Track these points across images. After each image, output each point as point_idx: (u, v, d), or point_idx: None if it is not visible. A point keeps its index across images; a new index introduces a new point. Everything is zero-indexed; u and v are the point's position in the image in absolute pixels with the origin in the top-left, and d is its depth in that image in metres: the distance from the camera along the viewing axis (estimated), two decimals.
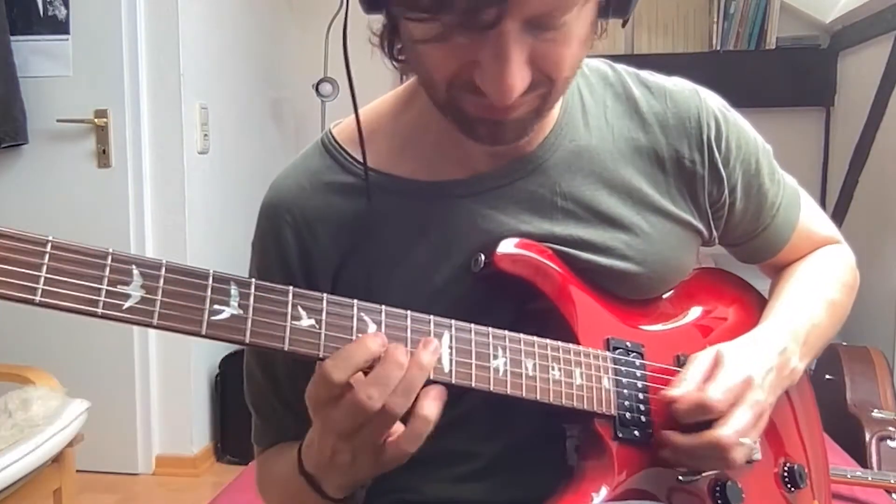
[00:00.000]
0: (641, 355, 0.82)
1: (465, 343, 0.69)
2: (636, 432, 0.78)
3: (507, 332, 0.72)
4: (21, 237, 0.53)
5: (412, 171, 0.82)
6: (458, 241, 0.80)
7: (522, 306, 0.80)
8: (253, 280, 0.62)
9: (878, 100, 2.90)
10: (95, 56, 2.79)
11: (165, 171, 2.89)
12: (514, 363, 0.72)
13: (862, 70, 3.15)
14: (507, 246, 0.77)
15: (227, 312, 0.60)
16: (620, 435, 0.77)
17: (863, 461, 1.97)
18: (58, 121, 2.79)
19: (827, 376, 2.34)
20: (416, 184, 0.81)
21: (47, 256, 0.54)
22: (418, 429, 0.66)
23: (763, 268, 1.03)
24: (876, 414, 2.12)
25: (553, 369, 0.74)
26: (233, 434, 3.02)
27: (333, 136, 0.86)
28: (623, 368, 0.80)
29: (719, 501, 0.81)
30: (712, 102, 0.89)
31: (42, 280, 0.53)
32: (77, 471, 2.16)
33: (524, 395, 0.72)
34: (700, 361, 0.81)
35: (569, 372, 0.75)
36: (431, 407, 0.66)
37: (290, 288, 0.63)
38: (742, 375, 0.79)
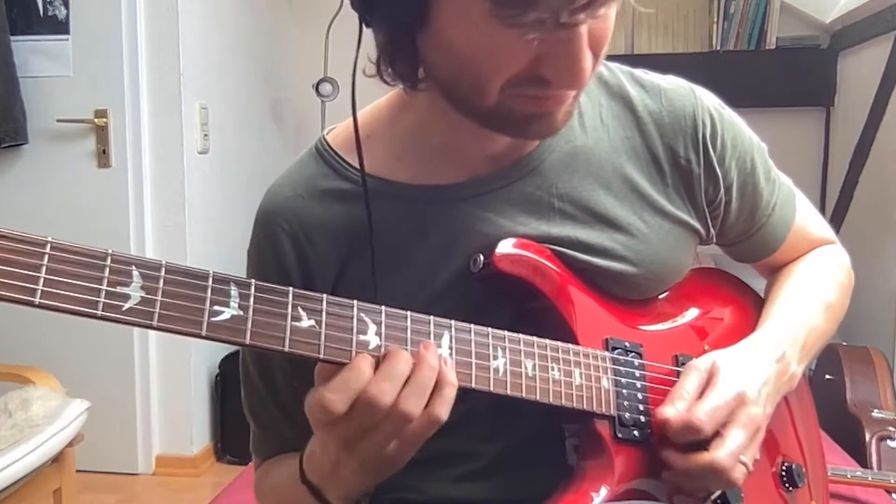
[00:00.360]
0: (640, 355, 0.82)
1: (465, 343, 0.70)
2: (635, 432, 0.78)
3: (506, 333, 0.72)
4: (20, 238, 0.53)
5: (410, 176, 0.82)
6: (457, 245, 0.80)
7: (521, 306, 0.80)
8: (253, 281, 0.61)
9: (878, 100, 2.90)
10: (95, 56, 2.79)
11: (165, 171, 2.89)
12: (513, 363, 0.72)
13: (862, 70, 3.15)
14: (506, 246, 0.77)
15: (227, 313, 0.60)
16: (620, 435, 0.77)
17: (863, 461, 1.97)
18: (58, 121, 2.79)
19: (827, 376, 2.34)
20: (414, 188, 0.81)
21: (46, 258, 0.54)
22: (425, 428, 0.66)
23: (758, 267, 1.03)
24: (876, 414, 2.12)
25: (552, 369, 0.74)
26: (233, 434, 3.02)
27: (328, 143, 0.85)
28: (622, 368, 0.80)
29: (718, 502, 0.81)
30: (707, 101, 0.89)
31: (41, 281, 0.53)
32: (77, 471, 2.16)
33: (524, 395, 0.72)
34: (694, 376, 0.81)
35: (568, 372, 0.75)
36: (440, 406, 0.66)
37: (290, 289, 0.63)
38: (734, 392, 0.78)
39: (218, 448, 3.10)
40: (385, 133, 0.84)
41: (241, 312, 0.60)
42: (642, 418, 0.79)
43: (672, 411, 0.77)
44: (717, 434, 0.76)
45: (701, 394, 0.79)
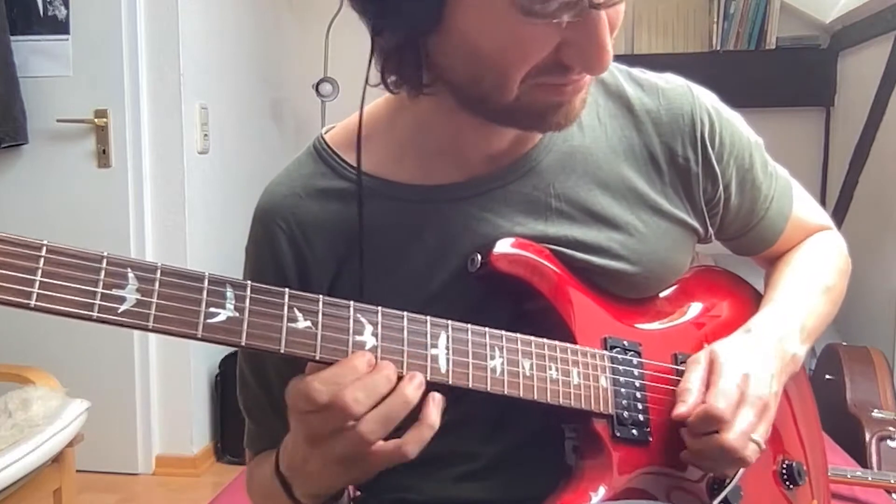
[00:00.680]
0: (639, 354, 0.82)
1: (462, 343, 0.69)
2: (634, 431, 0.78)
3: (503, 332, 0.72)
4: (16, 241, 0.53)
5: (408, 176, 0.82)
6: (454, 245, 0.80)
7: (519, 306, 0.80)
8: (248, 282, 0.61)
9: (878, 100, 2.90)
10: (95, 56, 2.79)
11: (165, 171, 2.89)
12: (511, 363, 0.72)
13: (862, 70, 3.15)
14: (504, 246, 0.77)
15: (222, 315, 0.60)
16: (618, 434, 0.77)
17: (863, 461, 1.97)
18: (58, 121, 2.79)
19: (827, 376, 2.34)
20: (412, 188, 0.81)
21: (42, 261, 0.54)
22: (405, 452, 0.66)
23: (757, 259, 1.03)
24: (876, 414, 2.12)
25: (550, 369, 0.74)
26: (233, 434, 3.02)
27: (326, 142, 0.85)
28: (620, 367, 0.80)
29: (718, 500, 0.81)
30: (705, 99, 0.89)
31: (37, 284, 0.53)
32: (77, 471, 2.17)
33: (521, 394, 0.72)
34: (695, 370, 0.81)
35: (566, 371, 0.75)
36: (416, 439, 0.66)
37: (286, 290, 0.63)
38: (739, 375, 0.79)
39: (218, 448, 3.10)
40: (384, 133, 0.84)
41: (237, 314, 0.60)
42: (641, 417, 0.79)
43: (685, 408, 0.78)
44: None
45: (707, 385, 0.79)
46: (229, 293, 0.60)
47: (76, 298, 0.55)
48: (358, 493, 0.93)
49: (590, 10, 0.64)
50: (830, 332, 2.56)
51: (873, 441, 2.03)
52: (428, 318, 0.68)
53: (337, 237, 0.81)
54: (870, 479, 1.66)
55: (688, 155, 0.86)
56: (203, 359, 3.02)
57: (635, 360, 0.81)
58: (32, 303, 0.53)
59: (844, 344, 2.42)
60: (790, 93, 3.41)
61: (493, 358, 0.71)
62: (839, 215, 3.13)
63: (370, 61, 0.74)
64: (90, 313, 0.55)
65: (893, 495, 1.67)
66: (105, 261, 0.56)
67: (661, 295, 0.90)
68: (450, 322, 0.69)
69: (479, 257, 0.77)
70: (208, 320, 0.59)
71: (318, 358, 0.63)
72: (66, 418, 2.03)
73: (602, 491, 0.75)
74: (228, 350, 2.97)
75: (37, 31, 2.80)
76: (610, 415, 0.78)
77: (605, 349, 0.80)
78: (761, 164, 0.94)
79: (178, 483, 2.90)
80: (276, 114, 3.64)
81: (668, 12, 3.55)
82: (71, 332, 2.73)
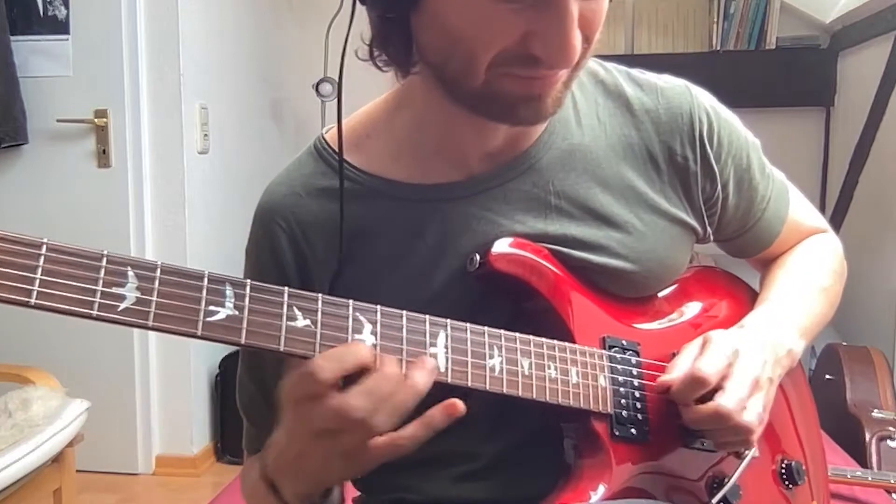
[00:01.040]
0: (637, 353, 0.82)
1: (461, 342, 0.70)
2: (633, 430, 0.78)
3: (503, 332, 0.72)
4: (16, 239, 0.53)
5: (407, 175, 0.82)
6: (454, 244, 0.80)
7: (518, 306, 0.80)
8: (248, 280, 0.62)
9: (878, 100, 2.90)
10: (95, 56, 2.79)
11: (165, 171, 2.89)
12: (510, 362, 0.72)
13: (862, 70, 3.15)
14: (502, 245, 0.78)
15: (222, 313, 0.60)
16: (617, 433, 0.78)
17: (863, 461, 1.97)
18: (58, 121, 2.79)
19: (827, 376, 2.34)
20: (412, 187, 0.81)
21: (42, 259, 0.54)
22: (400, 445, 0.65)
23: (753, 262, 1.03)
24: (876, 414, 2.12)
25: (549, 368, 0.74)
26: (233, 434, 3.02)
27: (326, 142, 0.85)
28: (619, 367, 0.80)
29: (717, 498, 0.81)
30: (703, 99, 0.89)
31: (37, 282, 0.53)
32: (77, 471, 2.17)
33: (520, 393, 0.72)
34: (689, 348, 0.82)
35: (565, 370, 0.75)
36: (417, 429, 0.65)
37: (286, 288, 0.63)
38: (731, 348, 0.80)
39: (218, 448, 3.10)
40: (383, 131, 0.84)
41: (237, 312, 0.60)
42: (639, 416, 0.79)
43: (668, 377, 0.79)
44: (717, 388, 0.77)
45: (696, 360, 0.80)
46: (229, 291, 0.60)
47: (76, 297, 0.55)
48: (358, 493, 0.93)
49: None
50: (830, 332, 2.57)
51: (873, 441, 2.03)
52: (427, 317, 0.69)
53: (337, 236, 0.81)
54: (870, 479, 1.66)
55: (686, 154, 0.87)
56: (203, 359, 3.02)
57: (634, 360, 0.81)
58: (32, 301, 0.53)
59: (844, 344, 2.42)
60: (790, 93, 3.41)
61: (491, 357, 0.71)
62: (839, 215, 3.13)
63: (349, 26, 0.75)
64: (90, 311, 0.55)
65: (893, 495, 1.67)
66: (105, 259, 0.56)
67: (660, 295, 0.90)
68: (449, 321, 0.70)
69: (478, 257, 0.78)
70: (208, 318, 0.59)
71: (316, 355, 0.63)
72: (66, 418, 2.03)
73: (601, 490, 0.75)
74: (228, 350, 2.97)
75: (37, 31, 2.80)
76: (608, 414, 0.78)
77: (604, 348, 0.80)
78: (759, 165, 0.94)
79: (178, 483, 2.90)
80: (276, 114, 3.65)
81: (668, 12, 3.55)
82: (71, 332, 2.73)
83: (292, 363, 0.64)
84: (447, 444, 0.81)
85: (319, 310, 0.64)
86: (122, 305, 0.56)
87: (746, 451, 0.84)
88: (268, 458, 0.72)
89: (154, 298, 0.57)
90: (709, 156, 0.87)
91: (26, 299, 0.53)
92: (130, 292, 0.57)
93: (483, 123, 0.77)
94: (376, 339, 0.66)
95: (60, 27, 2.79)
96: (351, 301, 0.65)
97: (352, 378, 0.63)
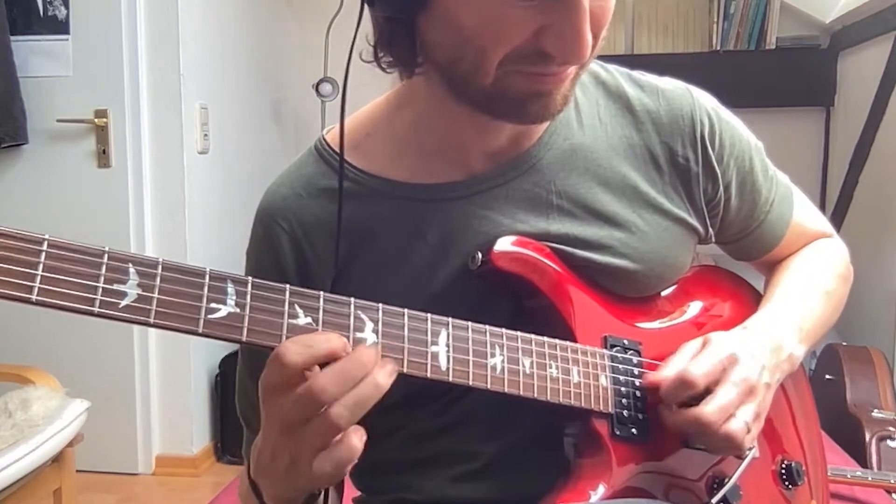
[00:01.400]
0: (639, 353, 0.82)
1: (463, 341, 0.69)
2: (633, 430, 0.78)
3: (504, 331, 0.72)
4: (17, 236, 0.53)
5: (409, 174, 0.82)
6: (456, 244, 0.80)
7: (520, 304, 0.80)
8: (250, 278, 0.61)
9: (878, 100, 2.91)
10: (95, 56, 2.79)
11: (165, 171, 2.89)
12: (511, 361, 0.72)
13: (862, 70, 3.15)
14: (505, 244, 0.78)
15: (223, 311, 0.60)
16: (618, 433, 0.77)
17: (863, 461, 1.97)
18: (58, 121, 2.79)
19: (827, 376, 2.34)
20: (413, 187, 0.81)
21: (44, 255, 0.54)
22: (342, 455, 0.62)
23: (757, 265, 1.03)
24: (876, 414, 2.12)
25: (550, 367, 0.74)
26: (233, 434, 3.02)
27: (327, 142, 0.85)
28: (620, 366, 0.80)
29: (717, 498, 0.81)
30: (704, 101, 0.89)
31: (39, 279, 0.53)
32: (77, 471, 2.16)
33: (521, 393, 0.72)
34: (688, 347, 0.82)
35: (566, 370, 0.75)
36: (357, 440, 0.63)
37: (287, 286, 0.63)
38: (726, 353, 0.79)
39: (218, 448, 3.10)
40: (384, 131, 0.84)
41: (238, 310, 0.60)
42: (640, 416, 0.79)
43: (654, 377, 0.79)
44: (708, 392, 0.77)
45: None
46: (230, 289, 0.60)
47: (77, 293, 0.55)
48: (358, 492, 0.93)
49: None
50: (830, 332, 2.56)
51: (873, 441, 2.03)
52: (428, 315, 0.68)
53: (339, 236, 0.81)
54: (870, 479, 1.66)
55: (688, 155, 0.87)
56: (203, 359, 3.02)
57: (635, 359, 0.81)
58: (34, 297, 0.53)
59: (844, 344, 2.43)
60: (790, 93, 3.41)
61: (493, 356, 0.71)
62: (839, 215, 3.13)
63: (357, 28, 0.74)
64: (91, 308, 0.55)
65: (893, 495, 1.67)
66: (106, 255, 0.56)
67: (662, 294, 0.90)
68: (450, 319, 0.69)
69: (480, 255, 0.78)
70: (209, 316, 0.59)
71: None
72: (66, 418, 2.03)
73: (601, 489, 0.75)
74: (228, 350, 2.97)
75: (37, 31, 2.80)
76: (609, 413, 0.78)
77: (606, 348, 0.80)
78: (761, 167, 0.94)
79: (178, 483, 2.89)
80: (276, 114, 3.65)
81: (668, 12, 3.55)
82: (71, 331, 2.73)
83: None
84: (447, 444, 0.81)
85: (321, 308, 0.64)
86: (124, 302, 0.56)
87: (747, 451, 0.84)
88: (251, 461, 0.71)
89: (155, 295, 0.57)
90: (710, 157, 0.87)
91: (28, 296, 0.53)
92: (132, 289, 0.56)
93: (485, 123, 0.77)
94: (377, 338, 0.66)
95: (60, 27, 2.79)
96: (352, 299, 0.65)
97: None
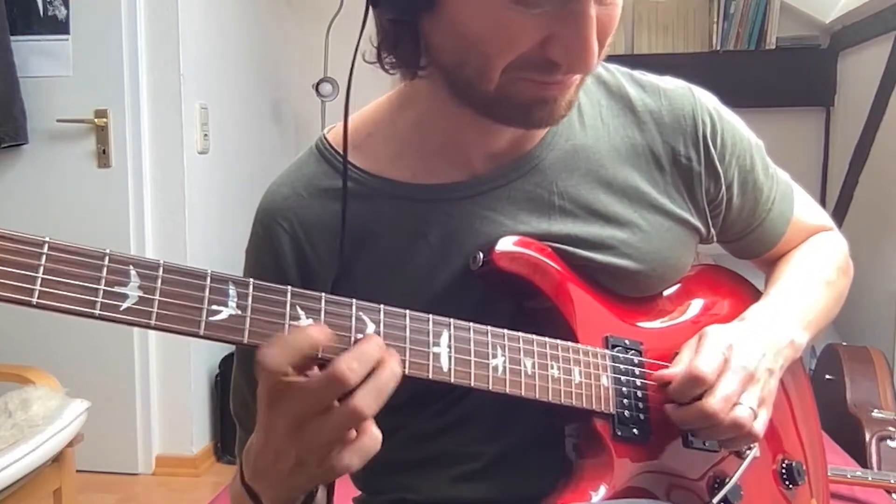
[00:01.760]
0: (640, 353, 0.82)
1: (464, 342, 0.69)
2: (635, 430, 0.78)
3: (505, 331, 0.72)
4: (18, 238, 0.53)
5: (410, 175, 0.82)
6: (457, 244, 0.80)
7: (521, 304, 0.80)
8: (251, 280, 0.61)
9: (878, 100, 2.91)
10: (95, 56, 2.79)
11: (165, 171, 2.89)
12: (512, 362, 0.72)
13: (862, 70, 3.15)
14: (506, 244, 0.77)
15: (225, 313, 0.59)
16: (619, 433, 0.77)
17: (863, 461, 1.97)
18: (58, 121, 2.79)
19: (827, 376, 2.34)
20: (415, 187, 0.81)
21: (44, 258, 0.54)
22: (368, 445, 0.62)
23: (758, 263, 1.03)
24: (876, 414, 2.12)
25: (552, 368, 0.74)
26: (233, 434, 2.99)
27: (328, 142, 0.85)
28: (622, 366, 0.80)
29: (718, 498, 0.81)
30: (706, 100, 0.89)
31: (39, 281, 0.53)
32: (77, 471, 2.16)
33: (523, 393, 0.72)
34: (688, 345, 0.82)
35: (567, 370, 0.75)
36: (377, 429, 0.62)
37: (289, 288, 0.62)
38: (724, 343, 0.79)
39: (218, 448, 3.10)
40: (386, 131, 0.84)
41: (240, 312, 0.60)
42: (642, 416, 0.79)
43: (671, 370, 0.79)
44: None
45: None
46: (231, 291, 0.60)
47: (78, 296, 0.54)
48: (358, 493, 0.93)
49: (576, 4, 0.65)
50: (830, 332, 2.57)
51: (873, 441, 2.04)
52: (430, 316, 0.68)
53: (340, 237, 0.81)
54: (870, 479, 1.66)
55: (690, 155, 0.87)
56: (203, 359, 3.02)
57: (636, 359, 0.81)
58: (34, 300, 0.53)
59: (844, 344, 2.43)
60: (790, 93, 3.41)
61: (494, 357, 0.71)
62: (839, 215, 3.13)
63: (361, 31, 0.74)
64: (92, 311, 0.55)
65: (893, 495, 1.67)
66: (107, 258, 0.56)
67: (663, 294, 0.90)
68: (452, 320, 0.69)
69: (481, 255, 0.77)
70: (210, 318, 0.59)
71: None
72: (66, 418, 2.03)
73: (602, 490, 0.75)
74: (228, 350, 2.97)
75: (37, 31, 2.79)
76: (611, 414, 0.78)
77: (607, 348, 0.80)
78: (763, 166, 0.94)
79: (178, 483, 2.89)
80: (276, 114, 3.65)
81: (668, 12, 3.55)
82: (71, 331, 2.73)
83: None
84: (448, 444, 0.81)
85: (323, 309, 0.63)
86: (125, 305, 0.56)
87: (748, 451, 0.84)
88: (245, 464, 0.70)
89: (156, 298, 0.57)
90: (712, 157, 0.87)
91: (28, 299, 0.53)
92: (133, 291, 0.56)
93: (488, 125, 0.77)
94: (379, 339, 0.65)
95: (60, 27, 2.78)
96: (354, 300, 0.65)
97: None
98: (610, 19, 0.70)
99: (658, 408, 0.80)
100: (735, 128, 0.91)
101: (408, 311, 0.67)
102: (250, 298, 0.61)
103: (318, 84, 3.34)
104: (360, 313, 0.65)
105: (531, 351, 0.73)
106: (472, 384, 0.69)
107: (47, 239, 0.54)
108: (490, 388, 0.70)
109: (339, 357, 0.60)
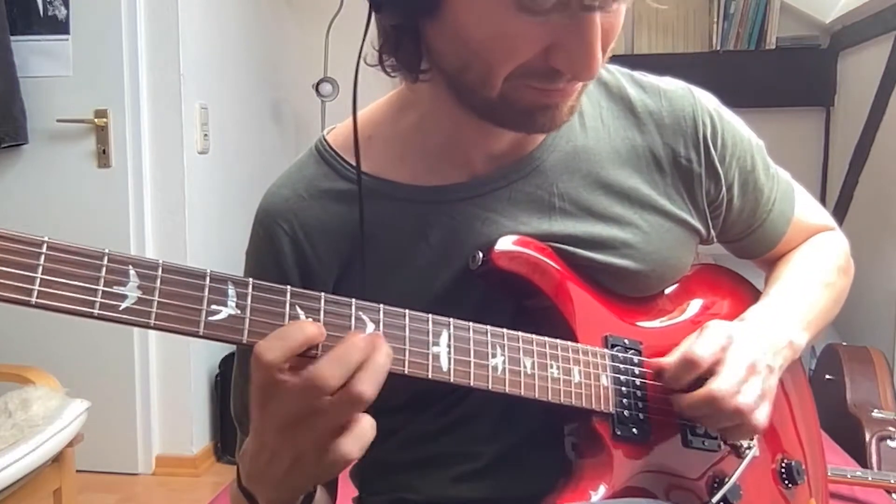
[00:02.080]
0: (639, 352, 0.82)
1: (464, 342, 0.69)
2: (634, 430, 0.78)
3: (505, 331, 0.72)
4: (17, 238, 0.53)
5: (411, 176, 0.82)
6: (457, 245, 0.80)
7: (521, 304, 0.80)
8: (250, 280, 0.61)
9: (878, 100, 2.91)
10: (95, 56, 2.79)
11: (165, 171, 2.89)
12: (512, 361, 0.72)
13: (862, 70, 3.15)
14: (505, 243, 0.77)
15: (224, 312, 0.59)
16: (619, 433, 0.77)
17: (863, 461, 1.97)
18: (58, 121, 2.79)
19: (827, 376, 2.34)
20: (416, 189, 0.81)
21: (43, 257, 0.54)
22: (366, 430, 0.61)
23: (759, 263, 1.03)
24: (876, 414, 2.12)
25: (551, 367, 0.74)
26: (233, 434, 3.00)
27: (328, 143, 0.85)
28: (621, 366, 0.80)
29: (717, 497, 0.81)
30: (706, 101, 0.89)
31: (38, 281, 0.53)
32: (77, 471, 2.16)
33: (522, 393, 0.72)
34: (688, 339, 0.82)
35: (567, 370, 0.75)
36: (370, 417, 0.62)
37: (288, 287, 0.62)
38: (724, 335, 0.79)
39: (218, 448, 3.10)
40: (386, 132, 0.84)
41: (239, 312, 0.60)
42: (641, 416, 0.79)
43: (667, 358, 0.80)
44: (711, 373, 0.77)
45: None
46: (231, 291, 0.60)
47: (77, 296, 0.54)
48: (358, 493, 0.93)
49: (582, 13, 0.65)
50: (830, 332, 2.57)
51: (873, 441, 2.04)
52: (430, 316, 0.68)
53: (340, 238, 0.81)
54: (870, 479, 1.66)
55: (690, 156, 0.87)
56: (203, 359, 3.02)
57: (636, 359, 0.81)
58: (33, 300, 0.53)
59: (844, 344, 2.43)
60: (790, 93, 3.42)
61: (494, 356, 0.71)
62: (839, 215, 3.13)
63: (364, 35, 0.74)
64: (91, 311, 0.55)
65: (893, 495, 1.68)
66: (106, 258, 0.56)
67: (663, 293, 0.90)
68: (451, 320, 0.69)
69: (481, 255, 0.77)
70: (210, 318, 0.59)
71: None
72: (66, 418, 2.03)
73: (602, 489, 0.75)
74: (228, 350, 2.97)
75: (37, 31, 2.79)
76: (610, 413, 0.78)
77: (607, 347, 0.80)
78: (763, 166, 0.94)
79: (178, 483, 2.89)
80: (276, 114, 3.65)
81: (668, 12, 3.55)
82: (71, 331, 2.73)
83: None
84: (448, 444, 0.81)
85: (322, 309, 0.63)
86: (124, 305, 0.56)
87: (747, 451, 0.84)
88: (241, 467, 0.70)
89: (156, 298, 0.57)
90: (713, 158, 0.87)
91: (27, 298, 0.53)
92: (132, 291, 0.56)
93: (489, 126, 0.77)
94: None
95: (60, 27, 2.78)
96: (353, 300, 0.65)
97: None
98: (613, 26, 0.69)
99: (658, 407, 0.80)
100: (735, 128, 0.91)
101: (407, 311, 0.67)
102: (249, 298, 0.61)
103: (318, 84, 3.34)
104: (360, 313, 0.65)
105: (531, 350, 0.73)
106: (472, 384, 0.69)
107: (46, 239, 0.54)
108: (489, 387, 0.70)
109: (319, 360, 0.59)
